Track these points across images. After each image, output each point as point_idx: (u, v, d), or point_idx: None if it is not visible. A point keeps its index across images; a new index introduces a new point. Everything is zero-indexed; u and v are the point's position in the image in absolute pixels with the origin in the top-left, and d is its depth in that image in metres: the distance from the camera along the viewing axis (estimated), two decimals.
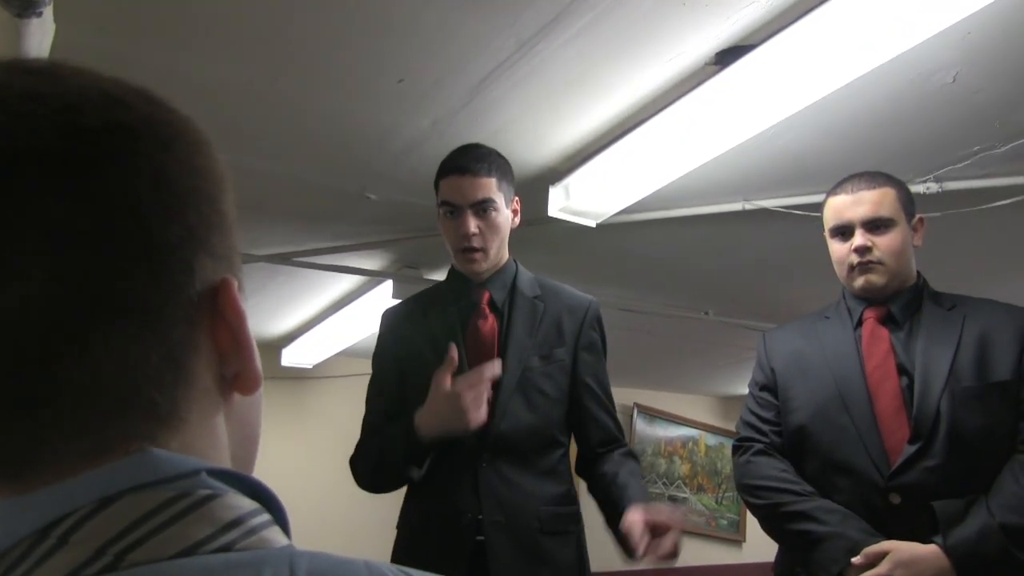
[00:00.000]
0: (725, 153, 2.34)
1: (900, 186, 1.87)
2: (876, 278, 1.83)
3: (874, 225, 1.82)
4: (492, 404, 1.89)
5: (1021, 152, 2.43)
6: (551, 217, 2.72)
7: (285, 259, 3.42)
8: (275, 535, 0.43)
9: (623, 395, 5.99)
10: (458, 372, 1.90)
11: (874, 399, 1.77)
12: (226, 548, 0.40)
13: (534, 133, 2.41)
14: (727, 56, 1.97)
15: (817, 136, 2.38)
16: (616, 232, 3.03)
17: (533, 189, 2.66)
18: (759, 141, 2.33)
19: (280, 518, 0.46)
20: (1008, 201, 2.60)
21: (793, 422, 1.88)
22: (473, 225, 1.88)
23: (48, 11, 1.55)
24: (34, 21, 1.52)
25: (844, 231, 1.86)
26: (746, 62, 1.92)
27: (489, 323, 1.95)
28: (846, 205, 1.85)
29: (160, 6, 1.85)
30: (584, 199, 2.68)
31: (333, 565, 0.41)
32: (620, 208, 2.77)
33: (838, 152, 2.48)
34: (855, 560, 1.65)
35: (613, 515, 1.82)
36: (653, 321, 4.30)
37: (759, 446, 1.92)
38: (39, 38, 1.59)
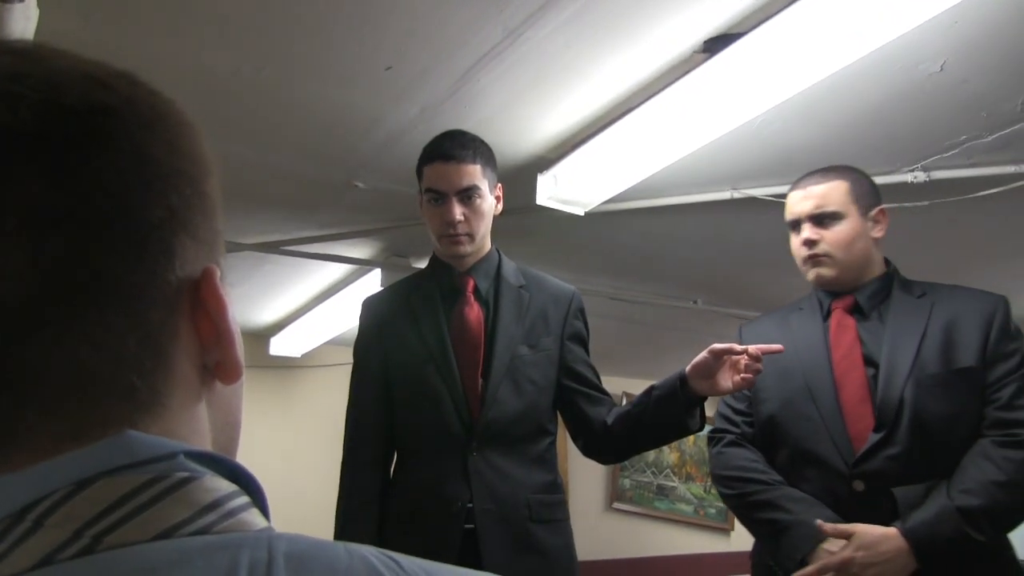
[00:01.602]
0: (714, 142, 2.33)
1: (856, 179, 1.88)
2: (825, 271, 1.86)
3: (820, 219, 1.86)
4: (481, 392, 1.89)
5: (1007, 142, 2.44)
6: (539, 205, 2.71)
7: (273, 247, 3.41)
8: (253, 518, 0.43)
9: (612, 384, 5.98)
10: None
11: (840, 389, 1.79)
12: (204, 531, 0.40)
13: (522, 121, 2.41)
14: (716, 44, 1.97)
15: (805, 125, 2.39)
16: (604, 220, 3.03)
17: (521, 177, 2.66)
18: (747, 130, 2.33)
19: (259, 500, 0.45)
20: (994, 190, 2.61)
21: (764, 413, 1.91)
22: (459, 212, 1.88)
23: None
24: (17, 6, 1.50)
25: (796, 225, 1.91)
26: (735, 50, 1.91)
27: (475, 311, 1.95)
28: (796, 200, 1.91)
29: None
30: (573, 187, 2.67)
31: (312, 547, 0.41)
32: (609, 196, 2.76)
33: (826, 141, 2.48)
34: (824, 527, 1.67)
35: (663, 399, 1.82)
36: (642, 310, 4.30)
37: (731, 437, 1.96)
38: (23, 24, 1.57)
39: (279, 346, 4.81)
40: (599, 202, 2.81)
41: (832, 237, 1.85)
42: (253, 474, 0.47)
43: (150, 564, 0.38)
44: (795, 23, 1.81)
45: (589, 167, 2.54)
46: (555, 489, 1.95)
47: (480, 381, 1.91)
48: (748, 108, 2.15)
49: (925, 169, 2.62)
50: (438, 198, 1.90)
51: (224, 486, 0.43)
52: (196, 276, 0.47)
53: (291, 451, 4.69)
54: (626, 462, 5.94)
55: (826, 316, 1.90)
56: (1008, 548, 1.73)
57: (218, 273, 0.48)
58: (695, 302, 4.15)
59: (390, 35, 1.98)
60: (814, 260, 1.87)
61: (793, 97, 2.08)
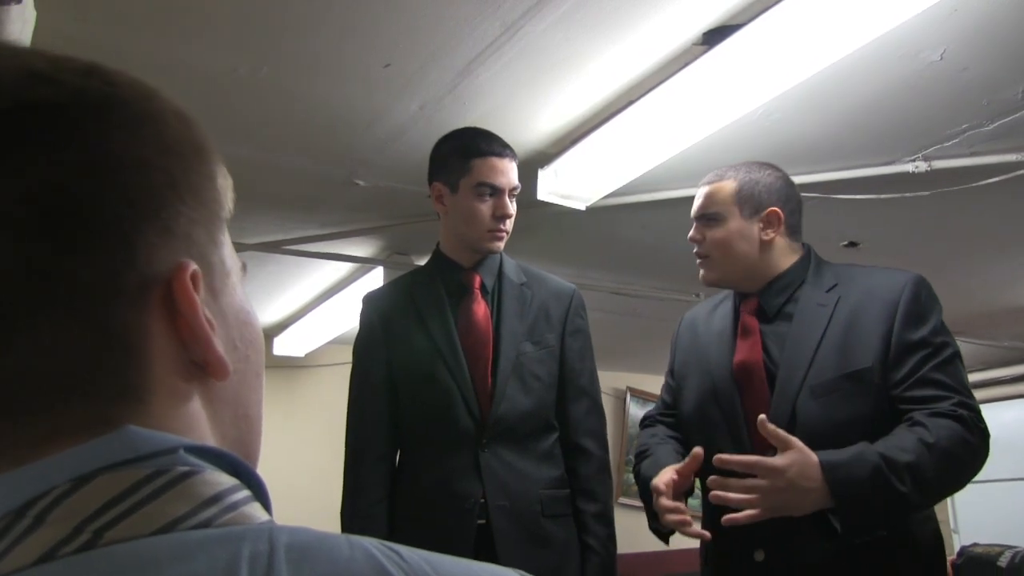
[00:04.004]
0: (714, 134, 2.33)
1: (749, 179, 1.81)
2: (706, 272, 1.83)
3: (704, 219, 1.82)
4: (491, 389, 1.89)
5: (1009, 130, 2.43)
6: (540, 201, 2.71)
7: (274, 247, 3.41)
8: (255, 511, 0.43)
9: (616, 379, 6.00)
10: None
11: (743, 395, 1.74)
12: (205, 524, 0.40)
13: (522, 116, 2.40)
14: (714, 36, 1.97)
15: (806, 116, 2.38)
16: (606, 215, 3.03)
17: (522, 172, 2.64)
18: (747, 121, 2.33)
19: (260, 494, 0.45)
20: (996, 179, 2.60)
21: (683, 412, 1.90)
22: (512, 207, 1.93)
23: None
24: (14, 8, 1.50)
25: (693, 225, 1.87)
26: (733, 42, 1.91)
27: (483, 308, 1.95)
28: (695, 198, 1.87)
29: None
30: (573, 182, 2.67)
31: (313, 539, 0.41)
32: (609, 191, 2.76)
33: (827, 131, 2.48)
34: (766, 425, 1.53)
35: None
36: (644, 304, 4.30)
37: (648, 420, 2.02)
38: (19, 25, 1.57)
39: (282, 346, 4.81)
40: (600, 196, 2.80)
41: (711, 238, 1.80)
42: (253, 468, 0.46)
43: (151, 558, 0.38)
44: (793, 13, 1.80)
45: (590, 162, 2.54)
46: (564, 484, 1.96)
47: (490, 378, 1.91)
48: (748, 100, 2.15)
49: (926, 158, 2.61)
50: (493, 192, 1.91)
51: (225, 480, 0.43)
52: (169, 272, 0.46)
53: (295, 451, 4.70)
54: (630, 457, 5.94)
55: (737, 315, 1.84)
56: (940, 554, 1.66)
57: (191, 268, 0.46)
58: (697, 295, 4.14)
59: (388, 32, 1.98)
60: (699, 260, 1.84)
61: (792, 88, 2.08)
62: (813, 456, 1.50)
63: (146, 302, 0.45)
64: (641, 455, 1.91)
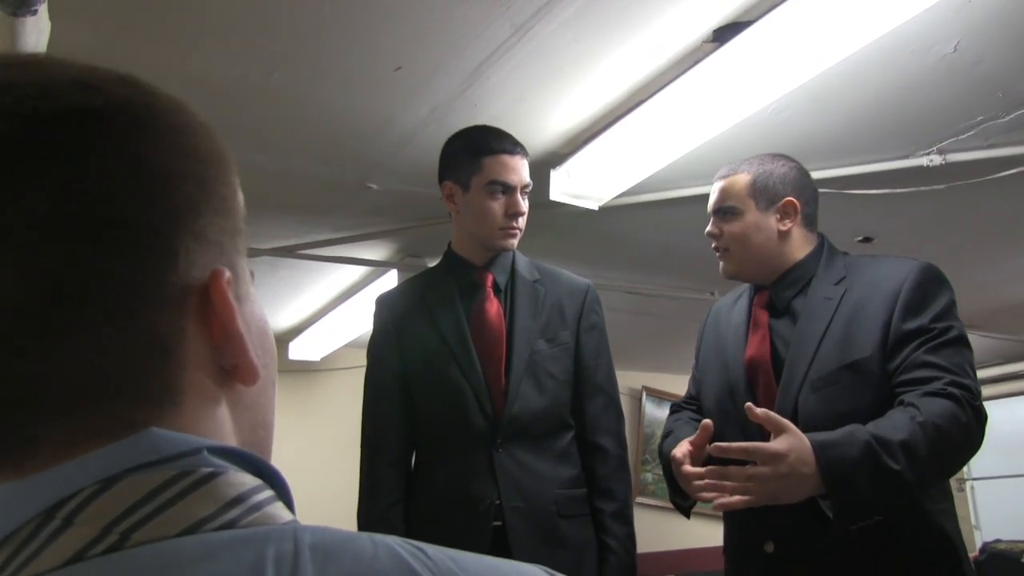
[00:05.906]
0: (725, 131, 2.33)
1: (764, 171, 1.81)
2: (726, 265, 1.85)
3: (722, 213, 1.83)
4: (504, 387, 1.89)
5: None
6: (553, 201, 2.71)
7: (289, 252, 3.43)
8: (279, 511, 0.44)
9: (631, 378, 5.99)
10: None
11: (755, 388, 1.75)
12: (230, 525, 0.40)
13: (533, 117, 2.41)
14: (725, 33, 1.96)
15: (818, 111, 2.37)
16: (619, 214, 3.02)
17: (534, 173, 2.64)
18: (759, 118, 2.32)
19: (284, 494, 0.46)
20: (1012, 171, 2.58)
21: (704, 405, 1.91)
22: (525, 206, 1.92)
23: (43, 9, 1.55)
24: (29, 20, 1.51)
25: (710, 219, 1.88)
26: (744, 38, 1.90)
27: (495, 306, 1.95)
28: (710, 195, 1.88)
29: (155, 2, 1.85)
30: (586, 182, 2.67)
31: (338, 539, 0.41)
32: (622, 190, 2.76)
33: (840, 126, 2.47)
34: (753, 410, 1.53)
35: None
36: (659, 303, 4.29)
37: (674, 410, 2.03)
38: (35, 37, 1.58)
39: (298, 350, 4.83)
40: (612, 196, 2.80)
41: (729, 231, 1.81)
42: (276, 468, 0.47)
43: (177, 559, 0.38)
44: (804, 9, 1.80)
45: (601, 161, 2.54)
46: (580, 483, 1.95)
47: (503, 376, 1.90)
48: (759, 97, 2.14)
49: (941, 152, 2.59)
50: (505, 189, 1.91)
51: (249, 480, 0.44)
52: (205, 278, 0.47)
53: (311, 454, 4.71)
54: (647, 456, 5.93)
55: (751, 308, 1.85)
56: (958, 551, 1.61)
57: (226, 275, 0.47)
58: (712, 294, 4.12)
59: (398, 36, 1.98)
60: (719, 253, 1.85)
61: (805, 83, 2.07)
62: (807, 440, 1.48)
63: (185, 307, 0.46)
64: (665, 436, 1.93)
